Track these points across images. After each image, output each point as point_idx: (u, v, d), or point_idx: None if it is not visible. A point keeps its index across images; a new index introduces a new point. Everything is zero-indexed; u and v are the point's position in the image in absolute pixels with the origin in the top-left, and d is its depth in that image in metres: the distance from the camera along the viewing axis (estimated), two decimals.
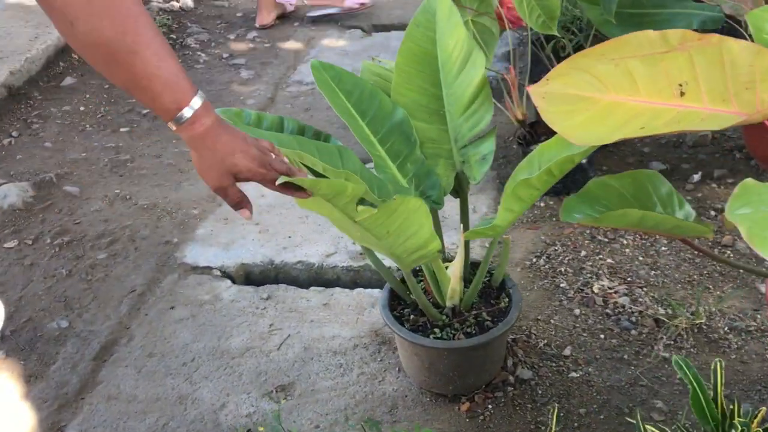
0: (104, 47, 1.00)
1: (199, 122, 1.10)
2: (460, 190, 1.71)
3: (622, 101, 1.34)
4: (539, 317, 1.87)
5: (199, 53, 3.48)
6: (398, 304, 1.71)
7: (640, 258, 2.01)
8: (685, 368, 1.23)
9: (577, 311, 1.87)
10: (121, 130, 2.90)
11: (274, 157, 1.25)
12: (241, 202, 1.22)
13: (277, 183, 1.20)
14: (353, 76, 1.75)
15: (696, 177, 2.30)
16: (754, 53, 1.29)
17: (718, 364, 1.26)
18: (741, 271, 1.92)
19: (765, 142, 2.29)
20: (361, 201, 1.54)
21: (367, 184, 1.43)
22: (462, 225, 1.70)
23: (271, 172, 1.19)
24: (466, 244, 1.67)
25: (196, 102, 1.09)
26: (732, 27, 2.27)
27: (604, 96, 1.34)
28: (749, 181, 1.03)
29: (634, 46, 1.34)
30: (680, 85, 1.32)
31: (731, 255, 1.98)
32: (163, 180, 2.57)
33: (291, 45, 3.54)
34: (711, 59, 1.31)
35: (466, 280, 1.70)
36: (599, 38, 2.57)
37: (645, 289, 1.91)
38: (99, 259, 2.19)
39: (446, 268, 1.62)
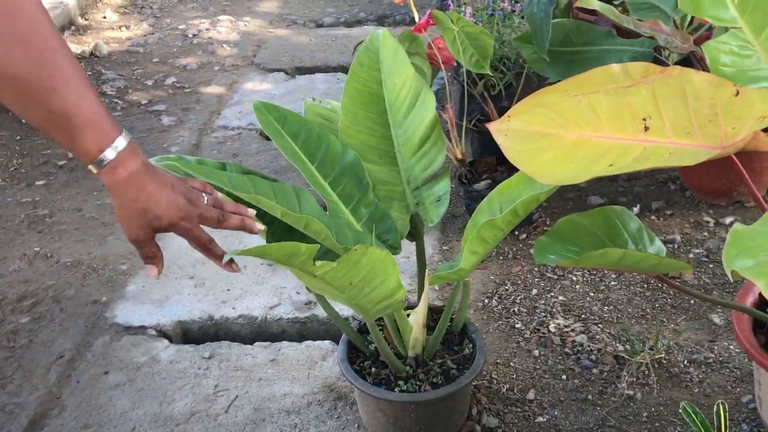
0: (15, 81, 0.90)
1: (122, 166, 1.01)
2: (415, 233, 1.65)
3: (587, 138, 1.31)
4: (498, 361, 1.81)
5: (116, 100, 3.33)
6: (356, 357, 1.62)
7: (592, 294, 2.00)
8: (693, 415, 1.19)
9: (536, 352, 1.82)
10: (37, 183, 2.72)
11: (206, 199, 1.16)
12: (153, 258, 1.12)
13: (224, 261, 1.15)
14: (299, 117, 1.67)
15: (635, 210, 2.32)
16: (715, 85, 1.28)
17: (721, 406, 1.23)
18: (693, 302, 1.92)
19: (699, 173, 2.34)
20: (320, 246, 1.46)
21: (327, 228, 1.35)
22: (420, 269, 1.64)
23: (196, 228, 1.12)
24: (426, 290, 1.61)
25: (121, 142, 1.00)
26: (661, 61, 2.32)
27: (569, 133, 1.31)
28: (739, 227, 1.01)
29: (597, 81, 1.32)
30: (644, 120, 1.30)
31: (680, 285, 1.99)
32: (86, 235, 2.41)
33: (213, 89, 3.43)
34: (673, 92, 1.30)
35: (428, 327, 1.63)
36: (529, 76, 2.60)
37: (600, 325, 1.88)
38: (21, 324, 2.01)
39: (407, 315, 1.55)
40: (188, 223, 1.10)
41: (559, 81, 2.45)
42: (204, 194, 1.19)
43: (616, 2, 2.90)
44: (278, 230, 1.46)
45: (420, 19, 2.38)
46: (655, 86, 1.29)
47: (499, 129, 1.31)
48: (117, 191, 1.04)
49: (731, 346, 1.79)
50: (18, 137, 3.00)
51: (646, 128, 1.29)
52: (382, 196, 1.63)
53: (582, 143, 1.29)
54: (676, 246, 2.14)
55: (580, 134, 1.29)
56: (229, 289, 2.13)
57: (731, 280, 0.95)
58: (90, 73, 3.60)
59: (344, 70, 3.54)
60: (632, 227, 1.33)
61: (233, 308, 2.06)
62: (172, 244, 2.32)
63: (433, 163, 1.65)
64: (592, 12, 3.16)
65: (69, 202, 2.60)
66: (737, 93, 1.27)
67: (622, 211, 1.36)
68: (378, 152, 1.66)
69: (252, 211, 1.28)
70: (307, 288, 1.64)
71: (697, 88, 1.28)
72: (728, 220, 2.22)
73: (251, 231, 1.26)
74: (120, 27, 4.19)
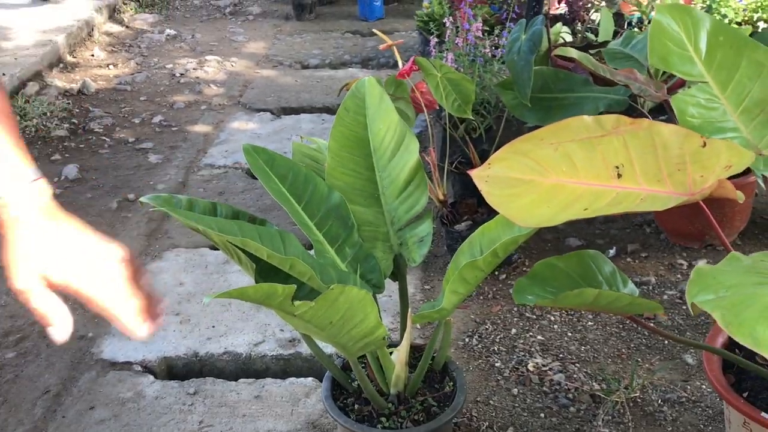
0: None
1: None
2: (398, 272, 1.70)
3: (563, 183, 1.38)
4: (478, 398, 1.85)
5: (103, 138, 3.38)
6: (340, 394, 1.66)
7: (569, 333, 2.05)
8: None
9: (514, 390, 1.87)
10: None
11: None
12: None
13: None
14: (287, 160, 1.73)
15: (611, 252, 2.38)
16: (682, 136, 1.36)
17: None
18: (667, 343, 1.98)
19: (672, 217, 2.41)
20: (303, 286, 1.51)
21: (311, 269, 1.40)
22: (402, 308, 1.69)
23: None
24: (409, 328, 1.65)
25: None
26: (636, 108, 2.41)
27: (546, 179, 1.38)
28: (702, 266, 1.07)
29: (572, 131, 1.39)
30: (617, 168, 1.37)
31: (654, 326, 2.04)
32: None
33: (200, 128, 3.49)
34: (643, 142, 1.37)
35: (410, 365, 1.67)
36: (509, 120, 2.68)
37: (578, 364, 1.93)
38: (7, 359, 2.03)
39: (390, 353, 1.59)
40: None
41: (538, 126, 2.54)
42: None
43: (592, 51, 3.01)
44: (265, 269, 1.51)
45: (404, 65, 2.45)
46: (626, 136, 1.36)
47: (480, 175, 1.37)
48: None
49: (703, 386, 1.84)
50: None
51: (619, 175, 1.36)
52: (366, 236, 1.68)
53: (558, 188, 1.36)
54: (650, 288, 2.20)
55: (556, 180, 1.36)
56: (214, 326, 2.16)
57: (692, 313, 1.00)
58: (78, 110, 3.65)
59: (329, 111, 3.63)
60: (606, 270, 1.40)
61: (218, 345, 2.09)
62: (159, 281, 2.36)
63: (416, 205, 1.71)
64: (570, 59, 3.27)
65: None
66: (704, 144, 1.35)
67: (596, 255, 1.42)
68: (363, 194, 1.71)
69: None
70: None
71: (666, 139, 1.35)
72: (701, 262, 2.29)
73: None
74: (108, 65, 4.25)
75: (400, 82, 2.49)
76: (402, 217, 1.71)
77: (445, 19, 3.13)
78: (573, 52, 2.25)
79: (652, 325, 1.80)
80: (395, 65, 4.27)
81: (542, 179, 1.37)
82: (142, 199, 1.56)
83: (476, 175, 1.37)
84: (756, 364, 1.52)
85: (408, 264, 1.68)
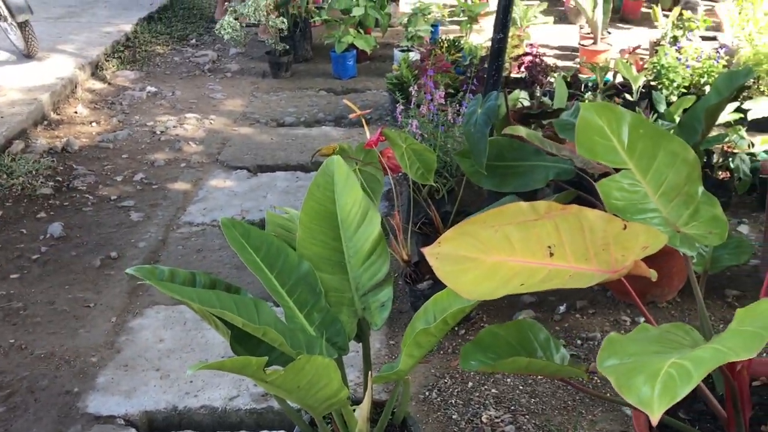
0: None
1: None
2: (362, 335, 1.88)
3: (503, 261, 1.58)
4: None
5: (87, 196, 3.54)
6: None
7: (521, 387, 2.23)
8: None
9: None
10: (11, 276, 2.90)
11: None
12: None
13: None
14: (260, 233, 1.91)
15: (562, 308, 2.58)
16: (606, 221, 1.57)
17: None
18: (609, 395, 2.17)
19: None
20: (275, 349, 1.69)
21: (282, 335, 1.57)
22: (365, 368, 1.86)
23: None
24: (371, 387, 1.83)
25: None
26: (582, 177, 2.62)
27: (488, 257, 1.58)
28: (613, 335, 1.27)
29: (510, 215, 1.59)
30: (549, 247, 1.58)
31: (598, 380, 2.24)
32: (59, 327, 2.59)
33: (179, 186, 3.67)
34: (572, 225, 1.58)
35: (372, 420, 1.84)
36: (469, 182, 2.88)
37: (527, 416, 2.11)
38: None
39: (353, 410, 1.76)
40: None
41: (495, 190, 2.75)
42: None
43: (545, 121, 3.24)
44: (240, 334, 1.69)
45: (371, 136, 2.66)
46: (557, 220, 1.57)
47: (431, 253, 1.57)
48: None
49: None
50: None
51: (551, 254, 1.57)
52: (333, 301, 1.86)
53: (499, 266, 1.56)
54: (596, 343, 2.40)
55: (497, 258, 1.56)
56: (192, 381, 2.32)
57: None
58: (62, 168, 3.82)
59: (303, 169, 3.82)
60: (541, 337, 1.59)
61: (196, 399, 2.25)
62: (140, 337, 2.52)
63: (379, 272, 1.90)
64: (527, 123, 3.52)
65: (42, 295, 2.78)
66: (625, 227, 1.56)
67: (533, 324, 1.61)
68: (330, 262, 1.90)
69: None
70: None
71: (592, 222, 1.56)
72: (642, 319, 2.49)
73: None
74: (91, 122, 4.43)
75: (369, 150, 2.70)
76: (366, 283, 1.89)
77: (411, 88, 3.36)
78: (521, 131, 2.48)
79: (577, 384, 1.98)
80: (368, 123, 4.49)
81: (485, 257, 1.57)
82: (128, 270, 1.74)
83: (428, 252, 1.57)
84: (678, 420, 1.71)
85: (370, 328, 1.86)
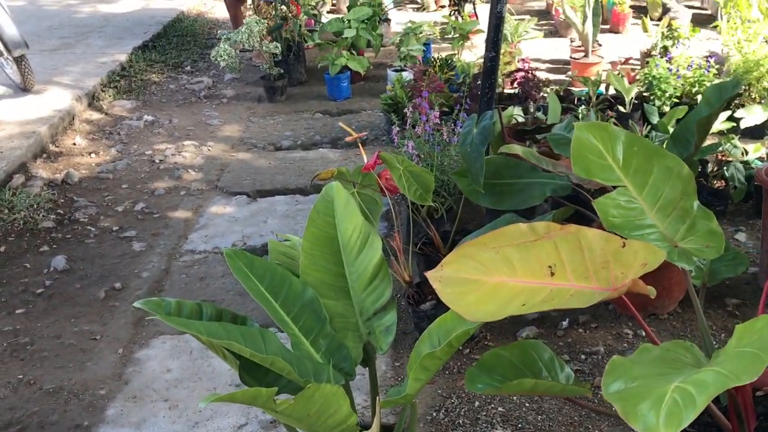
0: None
1: None
2: (368, 359, 1.90)
3: (504, 282, 1.60)
4: None
5: (89, 227, 3.57)
6: None
7: (527, 404, 2.25)
8: None
9: None
10: (17, 311, 2.91)
11: None
12: None
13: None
14: (264, 262, 1.94)
15: (564, 323, 2.60)
16: (604, 239, 1.60)
17: None
18: (614, 409, 2.18)
19: None
20: (280, 377, 1.71)
21: (289, 364, 1.60)
22: (372, 393, 1.88)
23: None
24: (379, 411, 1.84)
25: None
26: (579, 191, 2.65)
27: (490, 278, 1.60)
28: (616, 359, 1.29)
29: (509, 237, 1.62)
30: (549, 267, 1.60)
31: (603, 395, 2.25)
32: (66, 361, 2.60)
33: (180, 214, 3.69)
34: (572, 245, 1.60)
35: None
36: (467, 201, 2.91)
37: None
38: None
39: None
40: None
41: (493, 208, 2.77)
42: None
43: (539, 136, 3.26)
44: (248, 364, 1.71)
45: (368, 159, 2.69)
46: (556, 240, 1.60)
47: (434, 276, 1.60)
48: None
49: None
50: None
51: (552, 273, 1.59)
52: (338, 327, 1.88)
53: (500, 287, 1.58)
54: (600, 357, 2.42)
55: (498, 279, 1.59)
56: (200, 411, 2.33)
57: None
58: (63, 200, 3.84)
59: (302, 192, 3.85)
60: (546, 357, 1.61)
61: (205, 429, 2.26)
62: (147, 368, 2.53)
63: (382, 296, 1.92)
64: (522, 139, 3.55)
65: (48, 329, 2.80)
66: (624, 245, 1.59)
67: (536, 344, 1.63)
68: (334, 288, 1.92)
69: None
70: None
71: (591, 241, 1.59)
72: (644, 332, 2.51)
73: None
74: (90, 153, 4.46)
75: (367, 174, 2.72)
76: (369, 308, 1.92)
77: (406, 109, 3.39)
78: (517, 149, 2.51)
79: (582, 401, 2.00)
80: (364, 143, 4.53)
81: (487, 278, 1.59)
82: (135, 304, 1.77)
83: (431, 276, 1.60)
84: None
85: (376, 352, 1.88)
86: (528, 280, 1.58)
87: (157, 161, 4.32)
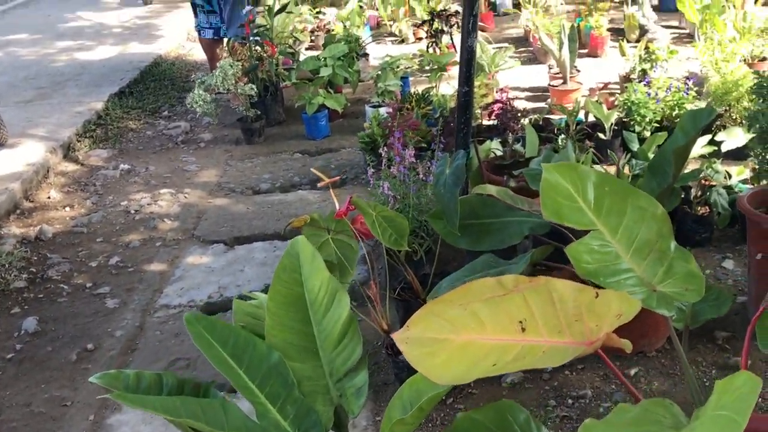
0: None
1: None
2: (340, 424, 1.81)
3: (473, 340, 1.51)
4: None
5: (62, 285, 3.47)
6: None
7: None
8: None
9: None
10: None
11: None
12: None
13: None
14: (226, 325, 1.85)
15: (550, 366, 2.50)
16: (576, 290, 1.51)
17: None
18: None
19: None
20: None
21: None
22: None
23: None
24: None
25: None
26: (559, 228, 2.57)
27: (458, 337, 1.51)
28: (589, 422, 1.21)
29: (477, 292, 1.53)
30: (520, 322, 1.52)
31: None
32: (36, 431, 2.49)
33: (155, 266, 3.60)
34: (542, 298, 1.52)
35: None
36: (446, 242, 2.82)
37: None
38: None
39: None
40: None
41: (471, 249, 2.68)
42: None
43: (515, 172, 3.19)
44: None
45: (341, 206, 2.62)
46: (526, 293, 1.51)
47: (401, 338, 1.51)
48: None
49: None
50: None
51: (523, 329, 1.51)
52: (307, 391, 1.79)
53: (469, 345, 1.49)
54: (587, 401, 2.32)
55: (467, 337, 1.50)
56: None
57: None
58: (36, 258, 3.75)
59: (280, 237, 3.76)
60: (521, 419, 1.52)
61: None
62: None
63: (353, 355, 1.83)
64: (501, 173, 3.48)
65: (18, 396, 2.69)
66: (597, 295, 1.50)
67: (511, 405, 1.54)
68: (301, 349, 1.83)
69: None
70: None
71: (562, 293, 1.51)
72: (633, 371, 2.42)
73: None
74: (64, 206, 4.38)
75: (340, 220, 2.65)
76: (340, 368, 1.82)
77: (380, 150, 3.33)
78: (491, 189, 2.44)
79: None
80: (342, 184, 4.46)
81: (455, 337, 1.50)
82: (91, 379, 1.68)
83: (397, 338, 1.51)
84: None
85: (348, 416, 1.78)
86: (498, 337, 1.49)
87: (133, 212, 4.23)
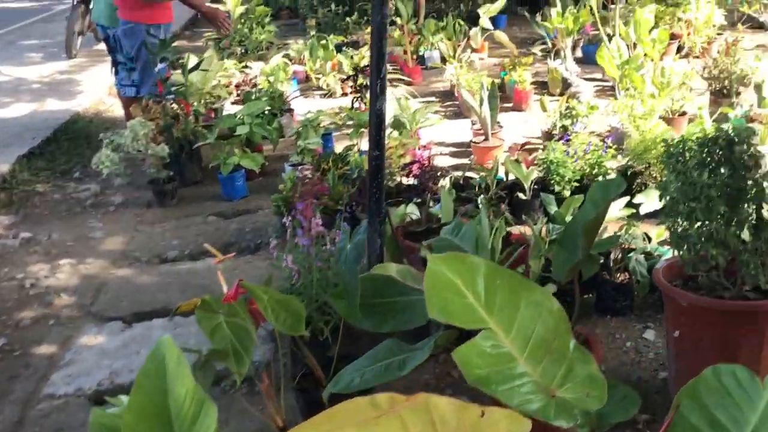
0: None
1: None
2: None
3: None
4: None
5: None
6: None
7: None
8: None
9: None
10: None
11: None
12: None
13: None
14: None
15: None
16: (460, 409, 1.32)
17: None
18: None
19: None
20: None
21: None
22: None
23: None
24: None
25: None
26: None
27: None
28: None
29: (347, 415, 1.33)
30: None
31: None
32: None
33: (45, 349, 3.30)
34: (422, 419, 1.32)
35: None
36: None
37: None
38: None
39: None
40: None
41: (374, 331, 2.47)
42: None
43: (425, 242, 3.02)
44: None
45: (228, 290, 2.40)
46: (403, 414, 1.31)
47: None
48: None
49: None
50: None
51: None
52: None
53: None
54: None
55: None
56: None
57: None
58: None
59: (183, 313, 3.49)
60: None
61: None
62: None
63: None
64: (416, 239, 3.30)
65: None
66: (482, 414, 1.31)
67: None
68: None
69: None
70: None
71: (443, 412, 1.31)
72: None
73: None
74: None
75: (229, 305, 2.43)
76: None
77: (284, 219, 3.12)
78: (392, 268, 2.26)
79: None
80: (256, 249, 4.23)
81: None
82: None
83: None
84: None
85: None
86: None
87: (28, 286, 3.92)
